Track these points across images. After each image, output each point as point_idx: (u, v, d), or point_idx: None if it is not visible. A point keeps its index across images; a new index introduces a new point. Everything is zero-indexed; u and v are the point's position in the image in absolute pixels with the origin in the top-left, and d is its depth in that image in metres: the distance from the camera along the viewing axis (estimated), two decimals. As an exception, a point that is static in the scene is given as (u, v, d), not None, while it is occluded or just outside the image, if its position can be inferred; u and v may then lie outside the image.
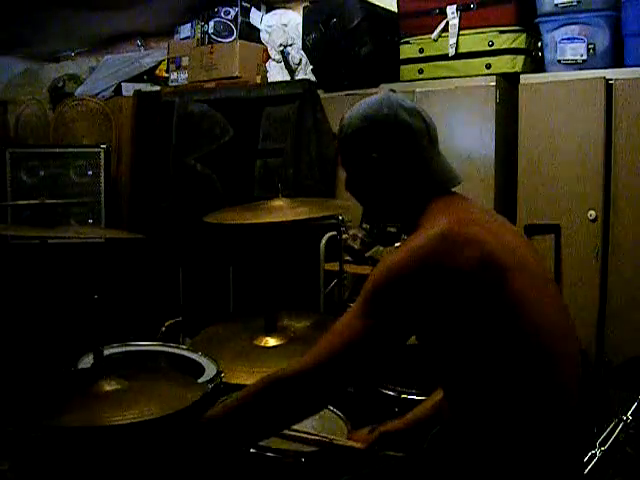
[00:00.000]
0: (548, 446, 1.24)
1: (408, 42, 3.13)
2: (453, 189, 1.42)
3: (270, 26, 3.83)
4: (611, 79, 2.61)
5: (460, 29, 2.94)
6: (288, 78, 3.68)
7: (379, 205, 1.46)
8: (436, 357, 1.36)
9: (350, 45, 3.15)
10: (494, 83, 2.86)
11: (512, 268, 1.25)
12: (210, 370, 1.95)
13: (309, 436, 1.59)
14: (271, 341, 2.26)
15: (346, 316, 1.28)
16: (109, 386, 1.44)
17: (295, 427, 1.64)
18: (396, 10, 3.21)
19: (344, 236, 2.72)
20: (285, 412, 1.30)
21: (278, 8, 3.97)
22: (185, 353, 2.14)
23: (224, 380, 1.92)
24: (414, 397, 1.84)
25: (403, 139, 1.37)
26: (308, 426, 1.71)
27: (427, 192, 1.38)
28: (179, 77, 4.18)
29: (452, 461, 1.38)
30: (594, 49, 2.68)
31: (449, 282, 1.21)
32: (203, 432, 1.33)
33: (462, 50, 2.95)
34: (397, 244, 2.84)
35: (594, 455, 1.57)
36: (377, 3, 3.31)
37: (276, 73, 3.76)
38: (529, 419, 1.24)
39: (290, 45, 3.70)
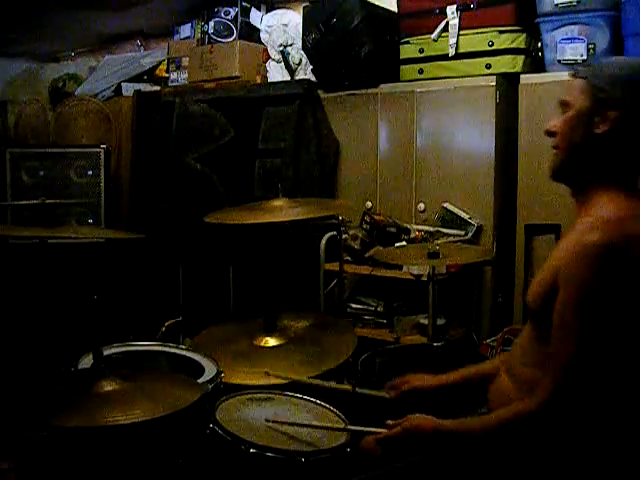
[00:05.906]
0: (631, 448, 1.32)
1: (408, 42, 3.13)
2: None
3: (270, 26, 3.83)
4: (611, 79, 2.61)
5: (460, 29, 2.94)
6: (288, 78, 3.68)
7: (582, 162, 1.50)
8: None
9: (350, 45, 3.15)
10: (494, 83, 2.86)
11: None
12: (210, 370, 1.95)
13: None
14: (271, 341, 2.25)
15: (558, 333, 1.31)
16: (109, 386, 1.44)
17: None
18: (396, 10, 3.21)
19: (344, 236, 2.71)
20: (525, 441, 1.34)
21: (278, 8, 3.97)
22: (185, 353, 2.14)
23: (224, 380, 1.92)
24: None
25: None
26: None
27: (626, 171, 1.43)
28: (179, 77, 4.18)
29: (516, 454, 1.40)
30: (594, 49, 2.68)
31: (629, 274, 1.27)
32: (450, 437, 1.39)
33: (462, 50, 2.95)
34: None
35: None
36: (377, 3, 3.31)
37: (276, 73, 3.75)
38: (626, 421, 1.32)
39: (290, 45, 3.69)
